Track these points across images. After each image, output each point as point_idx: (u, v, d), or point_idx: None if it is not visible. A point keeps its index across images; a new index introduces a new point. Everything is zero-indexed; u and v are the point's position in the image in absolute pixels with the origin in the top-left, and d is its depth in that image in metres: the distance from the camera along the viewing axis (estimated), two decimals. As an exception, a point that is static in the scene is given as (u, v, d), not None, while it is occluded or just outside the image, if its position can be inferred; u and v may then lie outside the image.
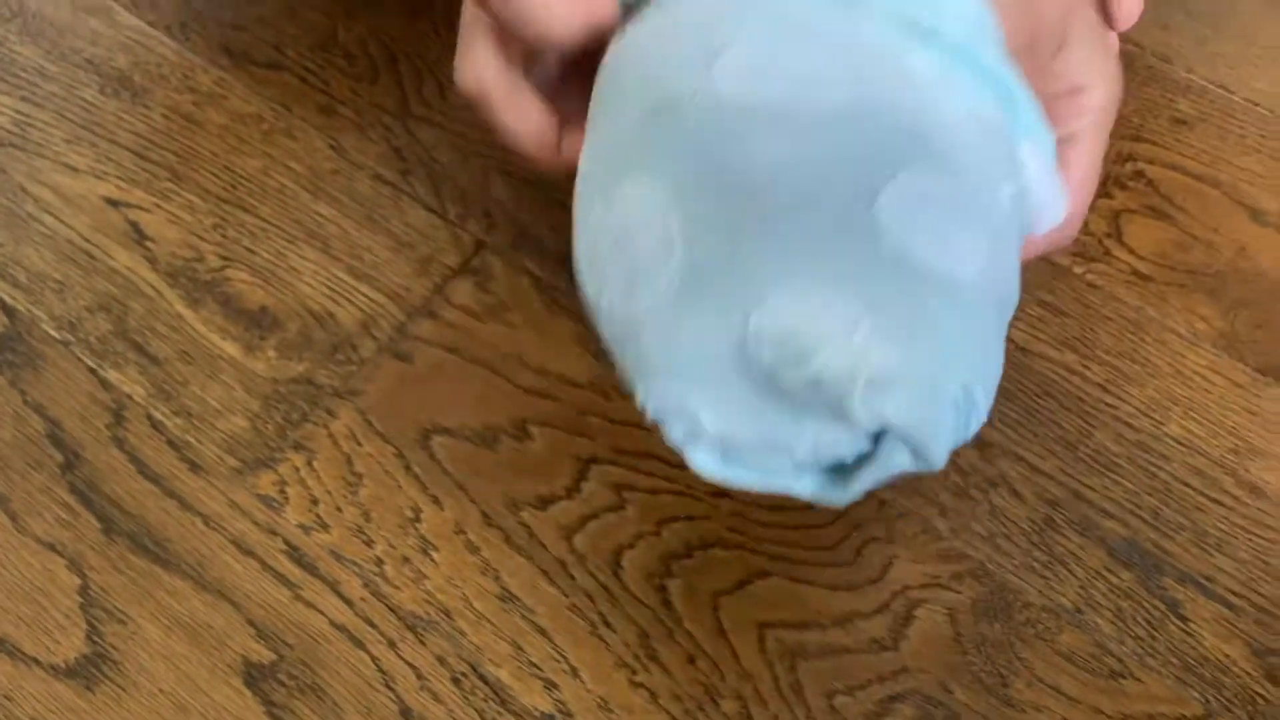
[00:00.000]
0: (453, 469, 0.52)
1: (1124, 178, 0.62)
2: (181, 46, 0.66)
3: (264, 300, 0.57)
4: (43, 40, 0.66)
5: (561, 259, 0.58)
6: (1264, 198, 0.60)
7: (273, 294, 0.57)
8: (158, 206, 0.59)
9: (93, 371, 0.54)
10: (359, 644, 0.48)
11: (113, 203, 0.60)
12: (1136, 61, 0.65)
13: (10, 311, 0.56)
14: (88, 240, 0.58)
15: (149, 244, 0.58)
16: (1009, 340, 0.56)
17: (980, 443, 0.53)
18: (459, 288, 0.57)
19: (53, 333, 0.56)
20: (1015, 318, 0.55)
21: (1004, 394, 0.55)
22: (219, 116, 0.63)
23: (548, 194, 0.60)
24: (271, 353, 0.55)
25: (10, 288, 0.57)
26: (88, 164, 0.61)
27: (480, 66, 0.45)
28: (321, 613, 0.49)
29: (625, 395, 0.54)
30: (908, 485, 0.52)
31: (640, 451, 0.53)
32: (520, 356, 0.56)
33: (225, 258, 0.58)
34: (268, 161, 0.61)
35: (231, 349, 0.55)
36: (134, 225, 0.59)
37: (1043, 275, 0.59)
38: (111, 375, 0.54)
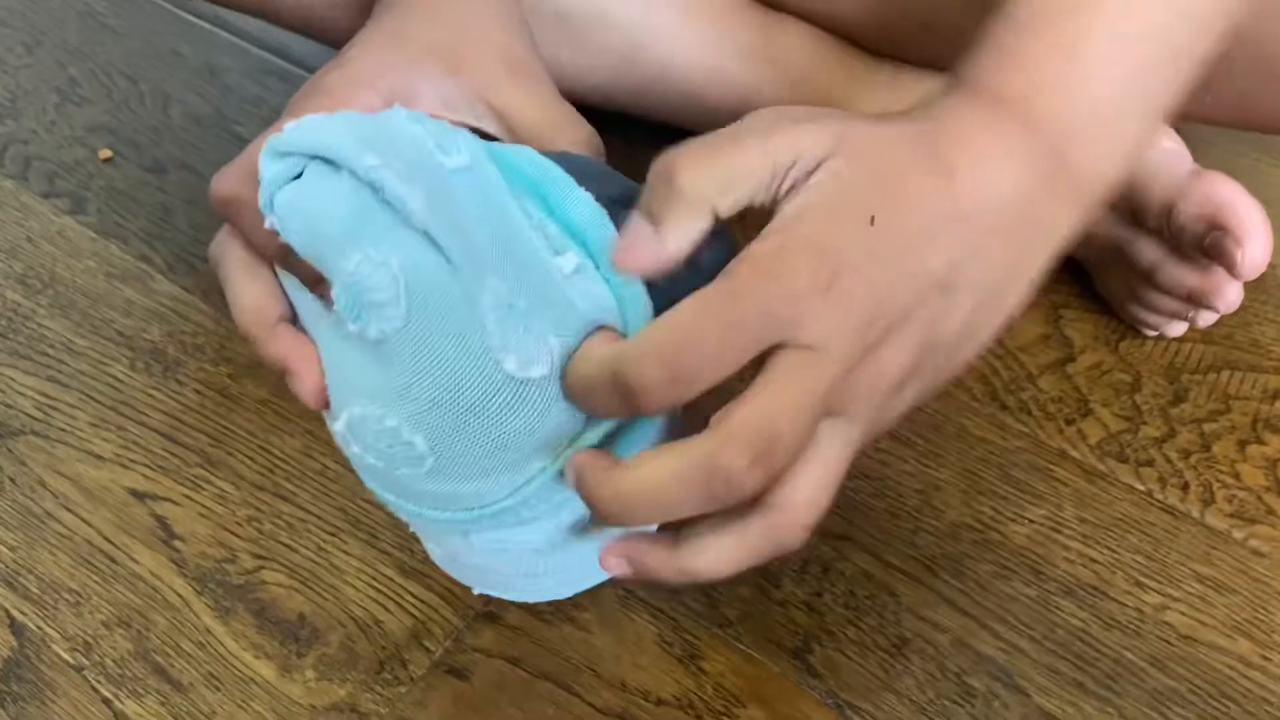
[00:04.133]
0: (520, 818, 0.44)
1: (1276, 419, 0.55)
2: (219, 313, 0.61)
3: (302, 607, 0.50)
4: (73, 312, 0.62)
5: (636, 540, 0.51)
6: None
7: (312, 599, 0.50)
8: (187, 498, 0.54)
9: (107, 703, 0.47)
10: None
11: (138, 495, 0.54)
12: None
13: (19, 630, 0.50)
14: (109, 540, 0.52)
15: (177, 543, 0.52)
16: (1170, 628, 0.48)
17: (1149, 760, 0.44)
18: (522, 582, 0.50)
19: (65, 655, 0.49)
20: (1169, 599, 0.47)
21: (1174, 697, 0.46)
22: (257, 390, 0.58)
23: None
24: (310, 673, 0.48)
25: (20, 600, 0.51)
26: (113, 450, 0.56)
27: (235, 189, 0.40)
28: None
29: (717, 713, 0.47)
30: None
31: (741, 788, 0.45)
32: (594, 667, 0.48)
33: (260, 556, 0.52)
34: (308, 440, 0.56)
35: (265, 670, 0.48)
36: (161, 521, 0.53)
37: (1197, 544, 0.51)
38: (129, 707, 0.47)
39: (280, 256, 0.38)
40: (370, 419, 0.37)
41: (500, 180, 0.37)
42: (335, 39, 0.62)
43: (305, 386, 0.38)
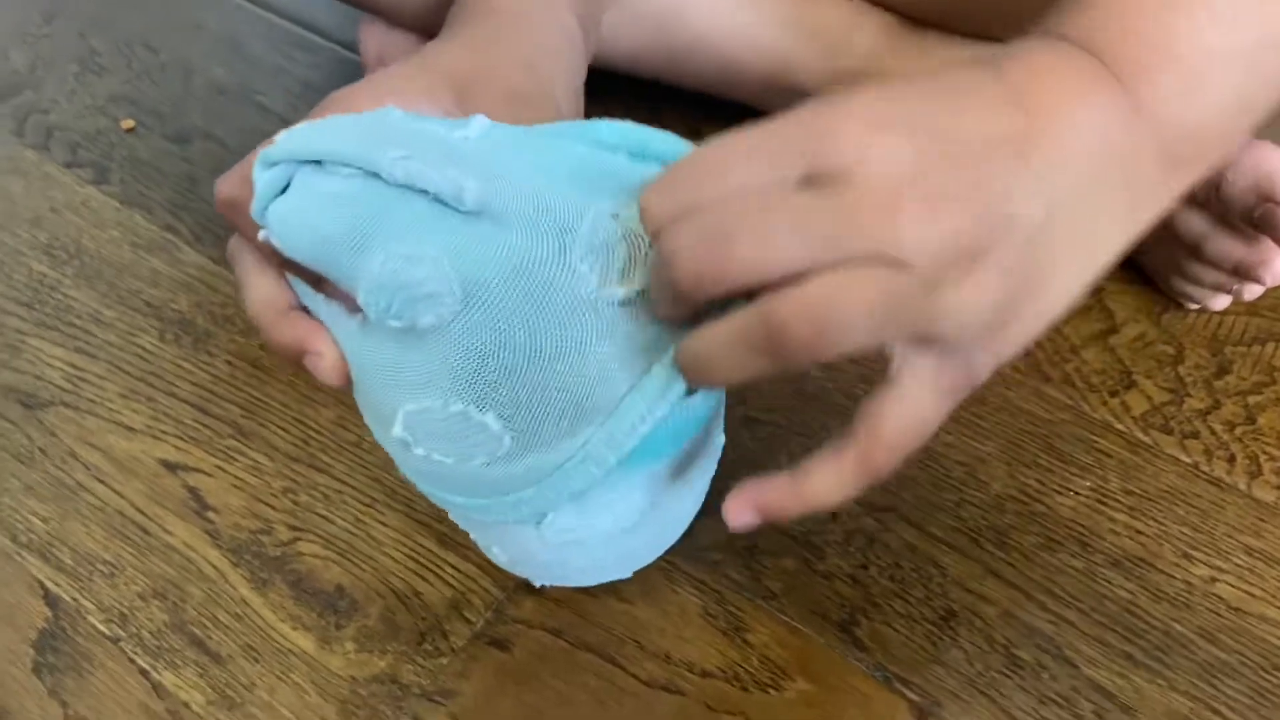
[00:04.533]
0: (566, 790, 0.44)
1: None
2: (248, 283, 0.61)
3: (340, 578, 0.49)
4: (100, 283, 0.61)
5: (676, 512, 0.51)
6: None
7: (350, 570, 0.49)
8: (220, 470, 0.53)
9: (145, 674, 0.47)
10: None
11: (170, 466, 0.53)
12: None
13: (54, 601, 0.49)
14: (142, 512, 0.52)
15: (210, 514, 0.51)
16: (1220, 600, 0.47)
17: (1202, 734, 0.44)
18: (561, 553, 0.50)
19: (101, 627, 0.48)
20: (1218, 571, 0.45)
21: (1224, 669, 0.45)
22: (288, 360, 0.57)
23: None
24: (350, 644, 0.47)
25: (54, 572, 0.50)
26: (144, 422, 0.55)
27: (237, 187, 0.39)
28: None
29: (764, 685, 0.46)
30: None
31: (790, 760, 0.44)
32: (637, 639, 0.47)
33: (296, 527, 0.51)
34: (342, 411, 0.55)
35: (304, 641, 0.48)
36: (193, 492, 0.52)
37: (1245, 516, 0.50)
38: (167, 679, 0.47)
39: (280, 261, 0.37)
40: (431, 412, 0.36)
41: (525, 131, 0.36)
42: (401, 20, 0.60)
43: (326, 363, 0.38)
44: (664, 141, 0.37)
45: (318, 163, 0.35)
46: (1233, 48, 0.35)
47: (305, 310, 0.39)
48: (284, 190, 0.36)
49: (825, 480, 0.35)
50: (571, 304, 0.34)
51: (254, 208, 0.36)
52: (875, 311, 0.31)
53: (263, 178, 0.36)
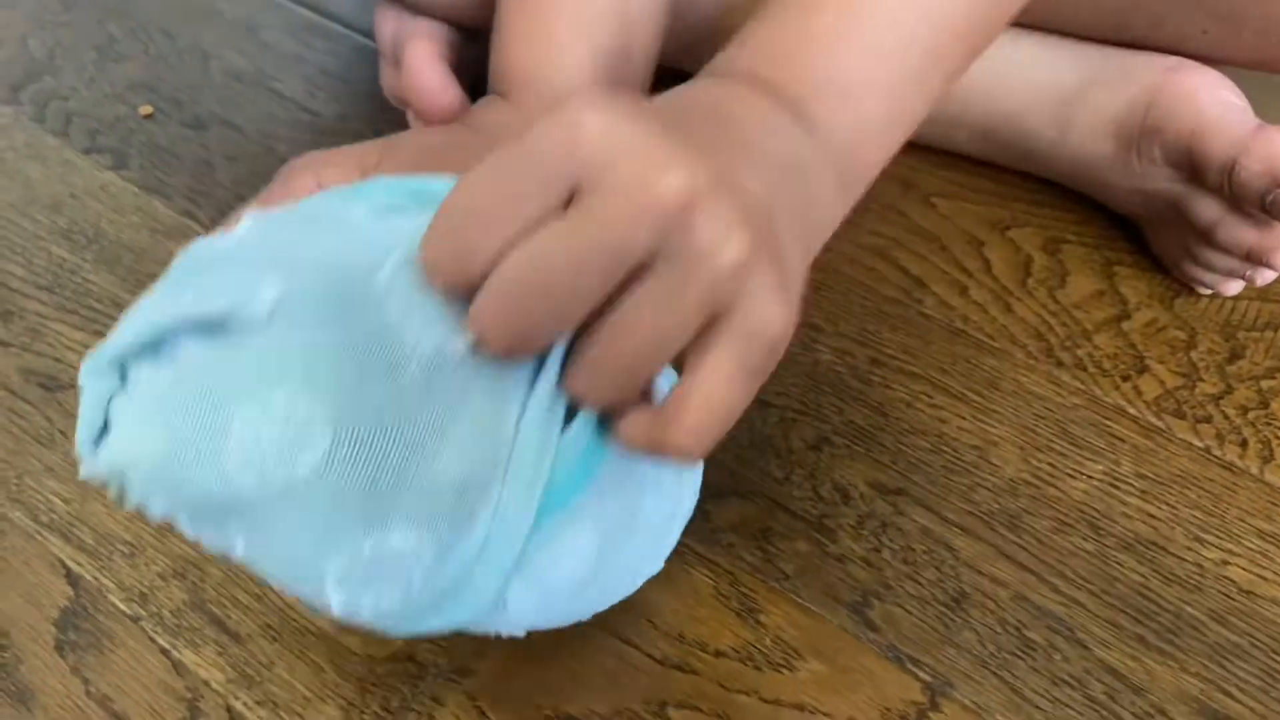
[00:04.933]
0: (581, 767, 0.44)
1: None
2: (265, 268, 0.61)
3: (357, 559, 0.50)
4: (119, 267, 0.62)
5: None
6: None
7: (367, 550, 0.50)
8: (239, 451, 0.54)
9: (165, 653, 0.48)
10: None
11: (190, 448, 0.54)
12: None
13: (75, 580, 0.50)
14: (162, 493, 0.53)
15: (229, 495, 0.52)
16: (1231, 583, 0.48)
17: (1217, 716, 0.44)
18: (576, 535, 0.50)
19: (121, 606, 0.49)
20: (1229, 554, 0.46)
21: (1236, 651, 0.46)
22: (305, 344, 0.58)
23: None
24: (367, 623, 0.48)
25: (75, 551, 0.51)
26: (164, 404, 0.56)
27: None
28: None
29: (776, 664, 0.47)
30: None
31: (803, 739, 0.44)
32: (650, 619, 0.48)
33: (313, 508, 0.52)
34: (359, 394, 0.55)
35: (322, 621, 0.48)
36: (213, 473, 0.53)
37: (1257, 500, 0.50)
38: (187, 657, 0.47)
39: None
40: (355, 555, 0.34)
41: (290, 211, 0.37)
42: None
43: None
44: (446, 186, 0.34)
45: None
46: (876, 75, 0.39)
47: None
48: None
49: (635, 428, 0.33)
50: (419, 382, 0.33)
51: (80, 437, 0.35)
52: (674, 292, 0.30)
53: (97, 389, 0.35)
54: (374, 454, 0.33)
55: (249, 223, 0.37)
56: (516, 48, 0.51)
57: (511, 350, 0.31)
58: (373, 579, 0.34)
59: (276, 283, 0.34)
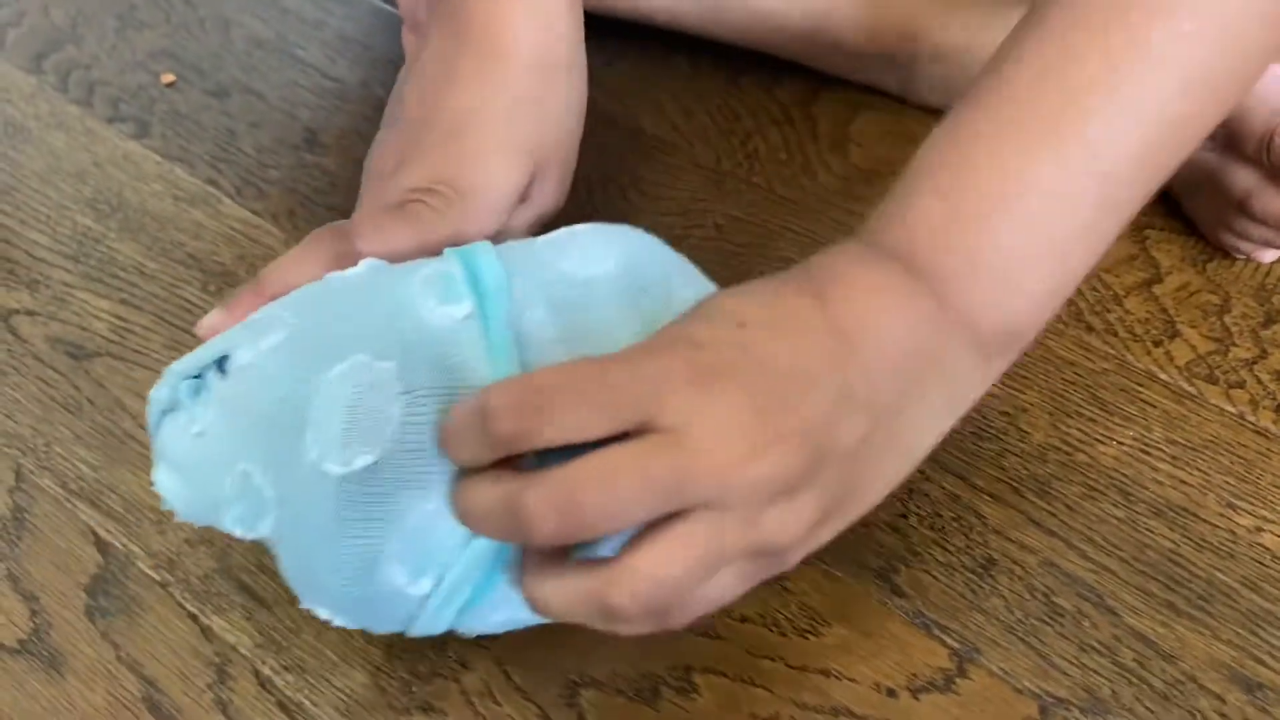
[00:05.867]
0: (607, 733, 0.44)
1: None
2: (289, 236, 0.61)
3: (383, 525, 0.50)
4: (143, 236, 0.62)
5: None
6: None
7: (392, 517, 0.50)
8: (264, 418, 0.54)
9: (194, 618, 0.48)
10: None
11: (216, 416, 0.54)
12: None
13: (104, 547, 0.50)
14: (189, 460, 0.53)
15: (255, 462, 0.52)
16: (1265, 549, 0.47)
17: (1249, 683, 0.44)
18: (601, 502, 0.50)
19: (150, 572, 0.49)
20: (1263, 520, 0.45)
21: (1268, 618, 0.45)
22: (329, 312, 0.58)
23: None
24: (393, 589, 0.48)
25: (104, 518, 0.51)
26: (189, 372, 0.56)
27: None
28: None
29: (802, 630, 0.46)
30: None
31: (829, 706, 0.44)
32: (677, 585, 0.48)
33: (339, 475, 0.52)
34: (383, 361, 0.55)
35: (348, 586, 0.48)
36: (239, 441, 0.53)
37: (1291, 465, 0.50)
38: (215, 622, 0.48)
39: None
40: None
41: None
42: None
43: None
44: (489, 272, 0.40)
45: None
46: (1038, 249, 0.37)
47: None
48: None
49: (556, 590, 0.36)
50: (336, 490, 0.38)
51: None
52: (701, 559, 0.34)
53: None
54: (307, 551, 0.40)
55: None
56: None
57: (552, 538, 0.33)
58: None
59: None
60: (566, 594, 0.35)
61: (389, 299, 0.40)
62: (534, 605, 0.36)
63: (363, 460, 0.37)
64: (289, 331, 0.40)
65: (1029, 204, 0.37)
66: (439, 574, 0.39)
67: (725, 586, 0.36)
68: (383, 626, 0.42)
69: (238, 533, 0.41)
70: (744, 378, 0.34)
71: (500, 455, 0.34)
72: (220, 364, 0.41)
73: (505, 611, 0.41)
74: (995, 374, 0.39)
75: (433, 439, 0.37)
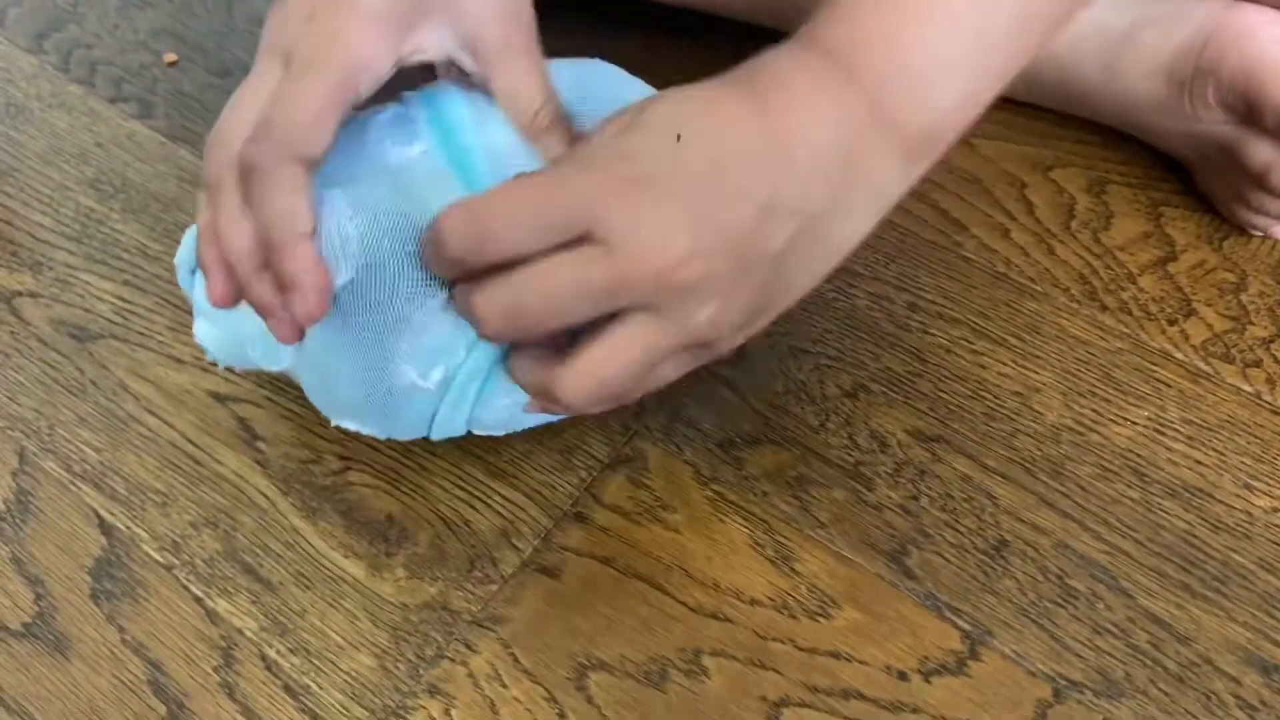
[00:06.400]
0: (615, 716, 0.44)
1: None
2: (292, 216, 0.60)
3: (390, 507, 0.49)
4: (146, 216, 0.61)
5: (724, 443, 0.50)
6: None
7: (400, 499, 0.50)
8: (269, 400, 0.53)
9: (199, 601, 0.48)
10: None
11: (220, 398, 0.54)
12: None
13: (108, 529, 0.50)
14: (193, 443, 0.52)
15: (260, 445, 0.52)
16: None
17: (1265, 665, 0.43)
18: (610, 483, 0.50)
19: (154, 555, 0.49)
20: None
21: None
22: (334, 292, 0.57)
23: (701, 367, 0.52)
24: (400, 571, 0.48)
25: (108, 500, 0.51)
26: (193, 354, 0.55)
27: None
28: None
29: (812, 613, 0.46)
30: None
31: (840, 689, 0.44)
32: (684, 567, 0.47)
33: (345, 458, 0.51)
34: (388, 342, 0.55)
35: (355, 569, 0.48)
36: (243, 423, 0.53)
37: (1309, 445, 0.49)
38: (220, 605, 0.47)
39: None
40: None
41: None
42: None
43: (310, 307, 0.40)
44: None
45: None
46: (963, 51, 0.38)
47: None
48: None
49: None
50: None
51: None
52: (638, 359, 0.38)
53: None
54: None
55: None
56: None
57: (499, 336, 0.39)
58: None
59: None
60: (532, 383, 0.41)
61: (351, 142, 0.43)
62: (514, 382, 0.42)
63: (343, 277, 0.41)
64: None
65: (954, 5, 0.38)
66: (447, 366, 0.42)
67: (663, 374, 0.40)
68: (406, 431, 0.46)
69: (265, 366, 0.46)
70: (675, 190, 0.36)
71: (459, 272, 0.38)
72: None
73: (509, 396, 0.44)
74: (914, 178, 0.40)
75: (400, 252, 0.41)
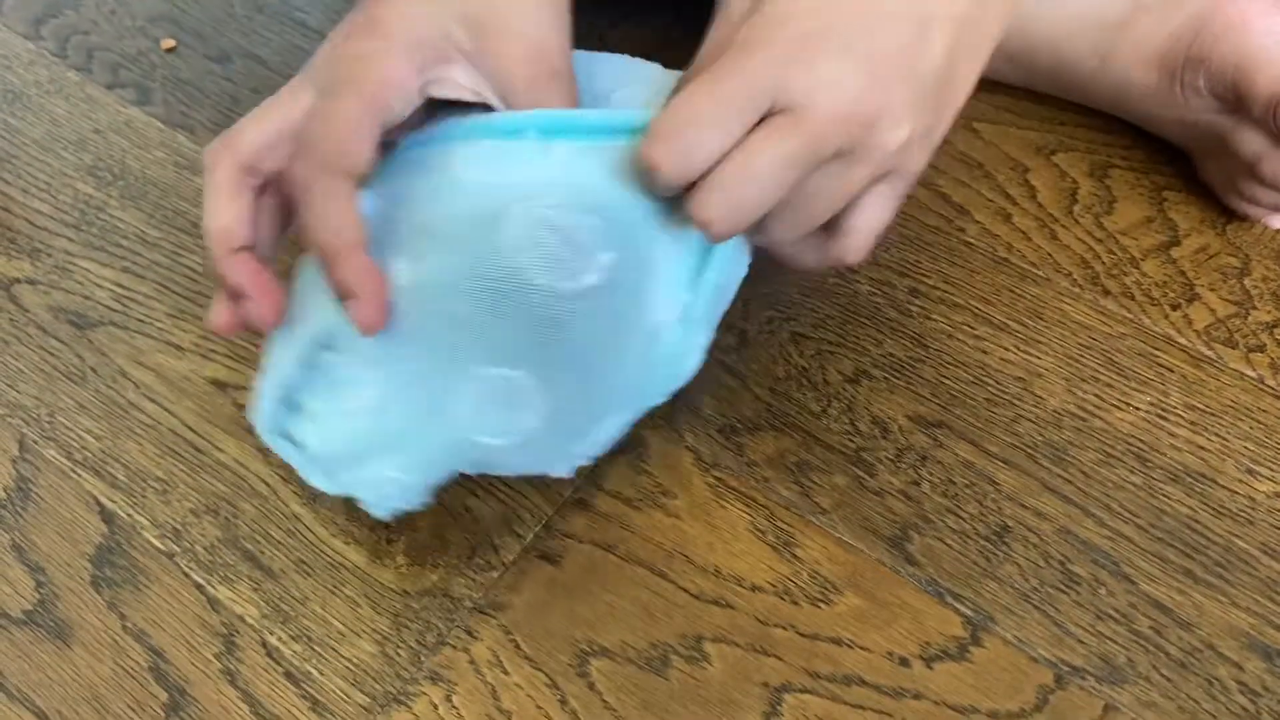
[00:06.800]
0: (616, 702, 0.44)
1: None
2: (292, 203, 0.60)
3: (389, 494, 0.49)
4: (145, 203, 0.61)
5: (725, 429, 0.50)
6: None
7: (399, 486, 0.50)
8: (269, 387, 0.53)
9: (200, 588, 0.48)
10: None
11: (220, 385, 0.53)
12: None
13: (109, 517, 0.50)
14: (193, 430, 0.52)
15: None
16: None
17: (1268, 651, 0.43)
18: (611, 470, 0.49)
19: (156, 542, 0.49)
20: None
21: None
22: (334, 279, 0.57)
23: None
24: (401, 558, 0.48)
25: (109, 488, 0.51)
26: (193, 341, 0.55)
27: None
28: None
29: (814, 599, 0.46)
30: None
31: (841, 675, 0.44)
32: (686, 553, 0.47)
33: (345, 444, 0.51)
34: (388, 329, 0.55)
35: (355, 556, 0.48)
36: (244, 410, 0.52)
37: (1312, 429, 0.49)
38: (221, 593, 0.47)
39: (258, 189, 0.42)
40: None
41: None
42: None
43: (262, 311, 0.41)
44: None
45: None
46: None
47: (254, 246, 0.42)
48: None
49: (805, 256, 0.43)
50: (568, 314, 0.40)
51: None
52: (893, 204, 0.41)
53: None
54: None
55: (369, 201, 0.41)
56: None
57: (732, 232, 0.39)
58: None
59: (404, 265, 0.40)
60: (816, 259, 0.42)
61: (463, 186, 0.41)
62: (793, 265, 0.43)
63: (590, 279, 0.40)
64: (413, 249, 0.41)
65: None
66: (690, 291, 0.41)
67: (872, 214, 0.41)
68: (668, 384, 0.43)
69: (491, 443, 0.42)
70: (836, 36, 0.38)
71: (676, 190, 0.38)
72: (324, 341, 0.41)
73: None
74: (1008, 17, 0.43)
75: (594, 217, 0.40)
